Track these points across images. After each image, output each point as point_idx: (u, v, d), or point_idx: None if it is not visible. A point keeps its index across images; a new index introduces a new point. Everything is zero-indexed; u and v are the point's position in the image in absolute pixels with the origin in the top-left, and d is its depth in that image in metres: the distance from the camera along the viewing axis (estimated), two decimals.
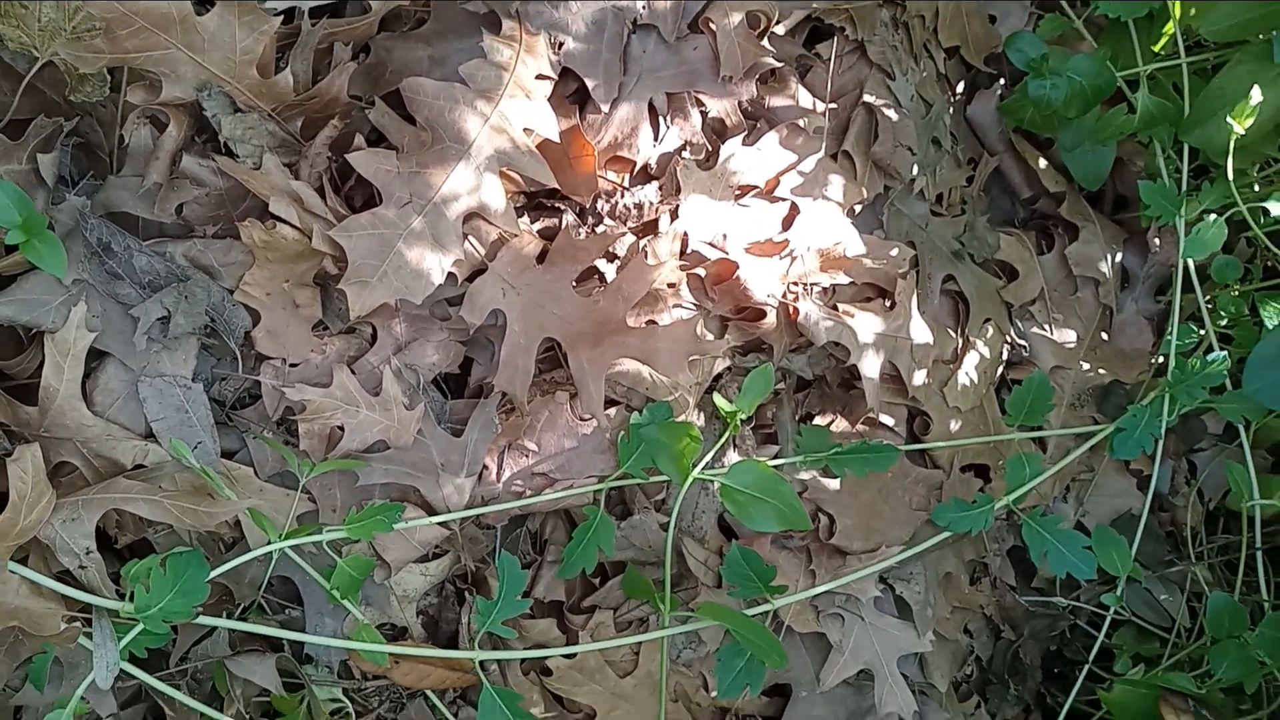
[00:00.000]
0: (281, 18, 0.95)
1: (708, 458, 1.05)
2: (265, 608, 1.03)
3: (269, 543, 0.93)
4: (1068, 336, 1.34)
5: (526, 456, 1.06)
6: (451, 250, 0.96)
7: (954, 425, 1.26)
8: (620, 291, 1.04)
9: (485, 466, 1.04)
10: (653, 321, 1.08)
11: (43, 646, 0.89)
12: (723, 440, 1.08)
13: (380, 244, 0.93)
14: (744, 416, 1.04)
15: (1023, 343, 1.32)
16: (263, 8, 0.94)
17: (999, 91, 1.35)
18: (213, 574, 0.89)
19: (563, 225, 1.06)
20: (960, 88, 1.35)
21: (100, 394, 0.94)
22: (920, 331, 1.21)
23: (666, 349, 1.04)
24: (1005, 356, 1.31)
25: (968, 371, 1.27)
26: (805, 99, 1.20)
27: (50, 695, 0.97)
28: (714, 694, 1.20)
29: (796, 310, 1.13)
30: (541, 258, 1.04)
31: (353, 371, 0.99)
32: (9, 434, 0.91)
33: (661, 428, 1.01)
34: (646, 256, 1.06)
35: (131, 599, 0.87)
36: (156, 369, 0.95)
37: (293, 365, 0.98)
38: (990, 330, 1.29)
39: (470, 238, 1.00)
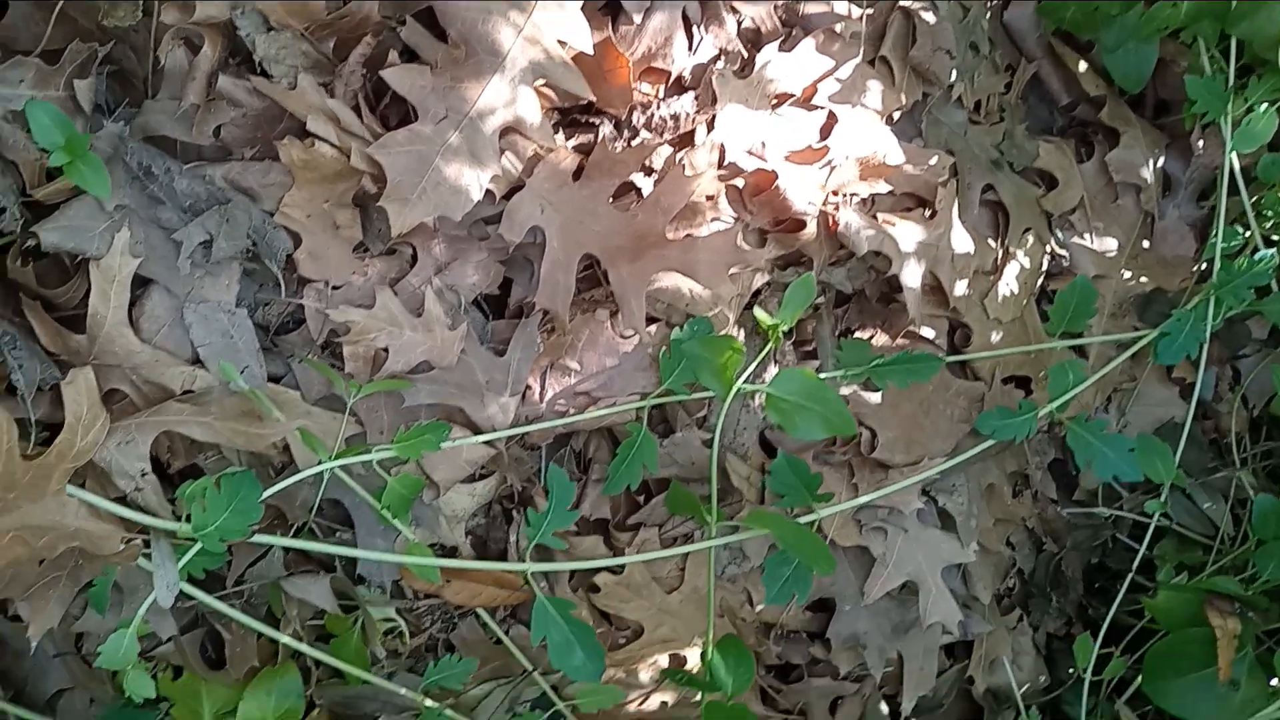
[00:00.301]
0: None
1: (750, 370, 1.05)
2: (316, 532, 1.04)
3: (319, 463, 0.94)
4: (1108, 245, 1.32)
5: (569, 376, 1.06)
6: (489, 166, 0.95)
7: (995, 337, 1.25)
8: (658, 204, 1.03)
9: (528, 386, 1.05)
10: (691, 234, 1.07)
11: (103, 569, 0.91)
12: (764, 354, 1.07)
13: (418, 160, 0.93)
14: (786, 329, 1.04)
15: (1063, 252, 1.31)
16: None
17: None
18: (265, 494, 0.90)
19: (598, 139, 1.04)
20: None
21: (146, 321, 0.94)
22: (961, 240, 1.19)
23: (707, 260, 1.03)
24: (1045, 267, 1.30)
25: (1008, 282, 1.26)
26: (841, 4, 1.17)
27: (110, 620, 0.99)
28: (759, 608, 1.21)
29: (836, 220, 1.12)
30: (578, 174, 1.03)
31: (395, 293, 0.99)
32: (59, 364, 0.92)
33: (703, 342, 1.00)
34: (684, 168, 1.05)
35: (187, 520, 0.88)
36: (200, 295, 0.95)
37: (335, 288, 0.98)
38: (1030, 240, 1.28)
39: (507, 154, 0.99)
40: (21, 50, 0.92)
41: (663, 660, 1.17)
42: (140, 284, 0.94)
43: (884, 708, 1.31)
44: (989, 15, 1.29)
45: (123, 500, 0.90)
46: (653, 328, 1.08)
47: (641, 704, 1.18)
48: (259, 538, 0.92)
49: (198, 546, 0.87)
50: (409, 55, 0.99)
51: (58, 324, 0.93)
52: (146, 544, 0.90)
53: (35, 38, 0.93)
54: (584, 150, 1.04)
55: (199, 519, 0.86)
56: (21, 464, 0.79)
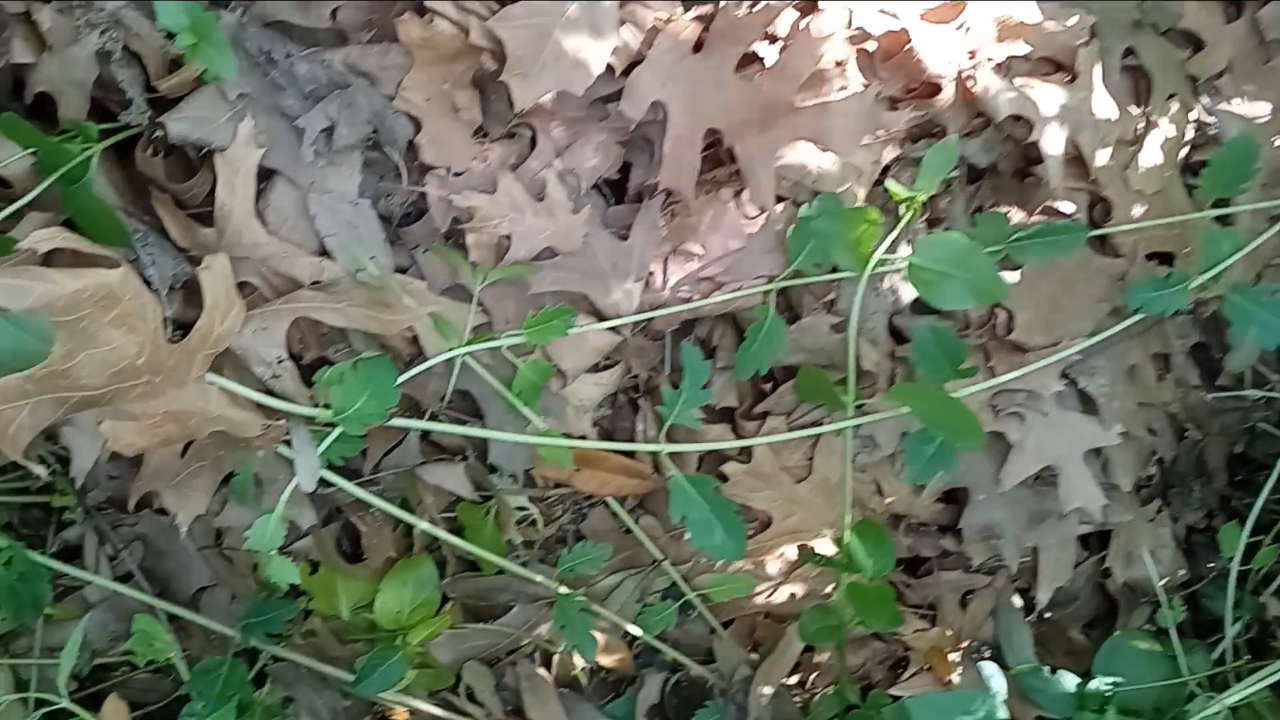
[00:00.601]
0: None
1: (887, 245, 1.00)
2: (446, 422, 1.05)
3: (450, 350, 0.94)
4: (1260, 110, 1.23)
5: (692, 260, 1.03)
6: (609, 37, 0.92)
7: (1137, 210, 1.18)
8: (785, 71, 0.99)
9: (651, 272, 1.02)
10: (821, 102, 1.03)
11: (244, 458, 0.92)
12: (899, 228, 1.02)
13: (538, 34, 0.90)
14: (924, 198, 0.98)
15: (1210, 119, 1.23)
16: None
17: None
18: (399, 379, 0.90)
19: (719, 6, 1.00)
20: None
21: (272, 214, 0.94)
22: (1104, 105, 1.13)
23: (840, 126, 0.99)
24: (1190, 136, 1.22)
25: (1151, 151, 1.18)
26: None
27: (251, 513, 1.01)
28: (888, 499, 1.18)
29: (973, 84, 1.06)
30: (699, 46, 0.99)
31: (516, 177, 0.97)
32: (190, 259, 0.93)
33: (835, 216, 0.96)
34: (810, 32, 1.00)
35: (325, 407, 0.89)
36: (323, 186, 0.94)
37: (456, 174, 0.96)
38: (1175, 106, 1.20)
39: (626, 25, 0.96)
40: None
41: (790, 552, 1.16)
42: (263, 176, 0.94)
43: (1017, 600, 1.28)
44: None
45: (261, 388, 0.91)
46: (779, 207, 1.05)
47: (770, 595, 1.17)
48: (397, 421, 0.93)
49: (337, 431, 0.88)
50: None
51: (187, 218, 0.94)
52: (285, 431, 0.91)
53: None
54: (704, 21, 1.00)
55: (338, 402, 0.86)
56: (167, 347, 0.79)
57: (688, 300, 1.05)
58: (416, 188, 0.96)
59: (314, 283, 0.95)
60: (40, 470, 0.87)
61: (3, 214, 0.80)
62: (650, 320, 1.04)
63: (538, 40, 0.90)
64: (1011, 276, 1.14)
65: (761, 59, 1.01)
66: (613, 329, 1.02)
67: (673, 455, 1.03)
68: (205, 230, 0.93)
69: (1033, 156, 1.12)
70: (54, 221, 0.86)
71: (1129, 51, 1.18)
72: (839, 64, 1.02)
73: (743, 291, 1.05)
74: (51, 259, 0.79)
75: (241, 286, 0.94)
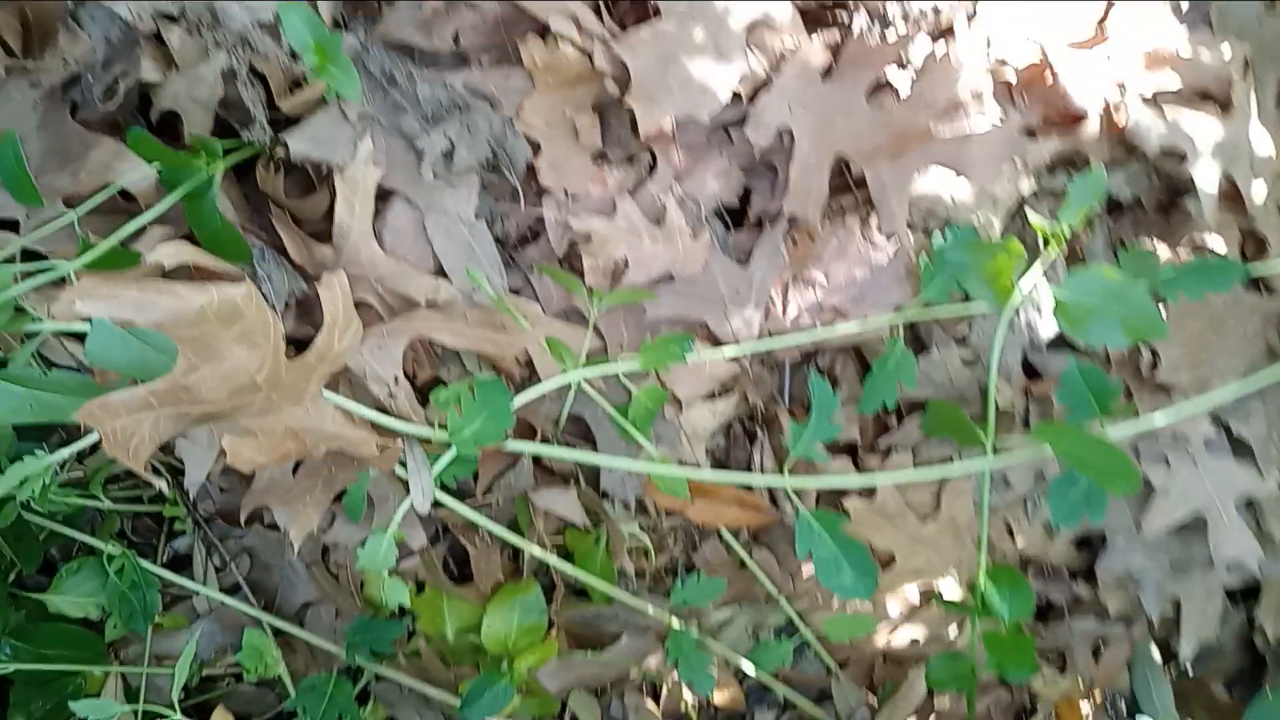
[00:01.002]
0: None
1: (1029, 280, 0.95)
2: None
3: (564, 373, 0.92)
4: None
5: (814, 288, 1.00)
6: (736, 63, 0.90)
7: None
8: (921, 99, 0.95)
9: (771, 299, 0.99)
10: (961, 133, 0.98)
11: (357, 476, 0.92)
12: (1046, 259, 0.96)
13: (663, 59, 0.89)
14: (1070, 231, 0.93)
15: None
16: None
17: None
18: (516, 403, 0.89)
19: (851, 34, 0.97)
20: None
21: (389, 233, 0.94)
22: (1260, 138, 1.06)
23: (980, 156, 0.95)
24: None
25: None
26: None
27: (360, 532, 1.01)
28: (1019, 542, 1.12)
29: (1120, 116, 1.01)
30: (828, 72, 0.96)
31: (635, 202, 0.95)
32: (306, 277, 0.93)
33: (972, 247, 0.92)
34: (948, 60, 0.96)
35: (441, 427, 0.88)
36: (440, 206, 0.94)
37: (574, 197, 0.95)
38: None
39: (753, 51, 0.94)
40: None
41: (913, 593, 1.11)
42: (381, 196, 0.94)
43: (1156, 653, 1.20)
44: None
45: (377, 407, 0.91)
46: (908, 235, 1.01)
47: (890, 636, 1.12)
48: (512, 444, 0.91)
49: (452, 453, 0.87)
50: None
51: (305, 235, 0.94)
52: (401, 451, 0.90)
53: None
54: (833, 47, 0.97)
55: (454, 423, 0.85)
56: (285, 363, 0.79)
57: (809, 329, 1.01)
58: (534, 209, 0.95)
59: (430, 302, 0.94)
60: (161, 484, 0.88)
61: (129, 228, 0.81)
62: (769, 349, 1.00)
63: (663, 65, 0.89)
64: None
65: (894, 87, 0.98)
66: (731, 357, 0.99)
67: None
68: (323, 248, 0.93)
69: (1178, 189, 1.06)
70: (177, 236, 0.87)
71: None
72: (976, 93, 0.98)
73: (869, 321, 1.01)
74: (174, 275, 0.80)
75: (358, 305, 0.94)
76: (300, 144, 0.89)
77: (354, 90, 0.84)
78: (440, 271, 0.95)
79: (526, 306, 0.97)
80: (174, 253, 0.76)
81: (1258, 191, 1.07)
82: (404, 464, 0.88)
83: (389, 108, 0.91)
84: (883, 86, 0.99)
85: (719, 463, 1.07)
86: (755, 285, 0.97)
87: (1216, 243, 1.10)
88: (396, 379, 0.91)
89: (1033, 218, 0.94)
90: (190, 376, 0.73)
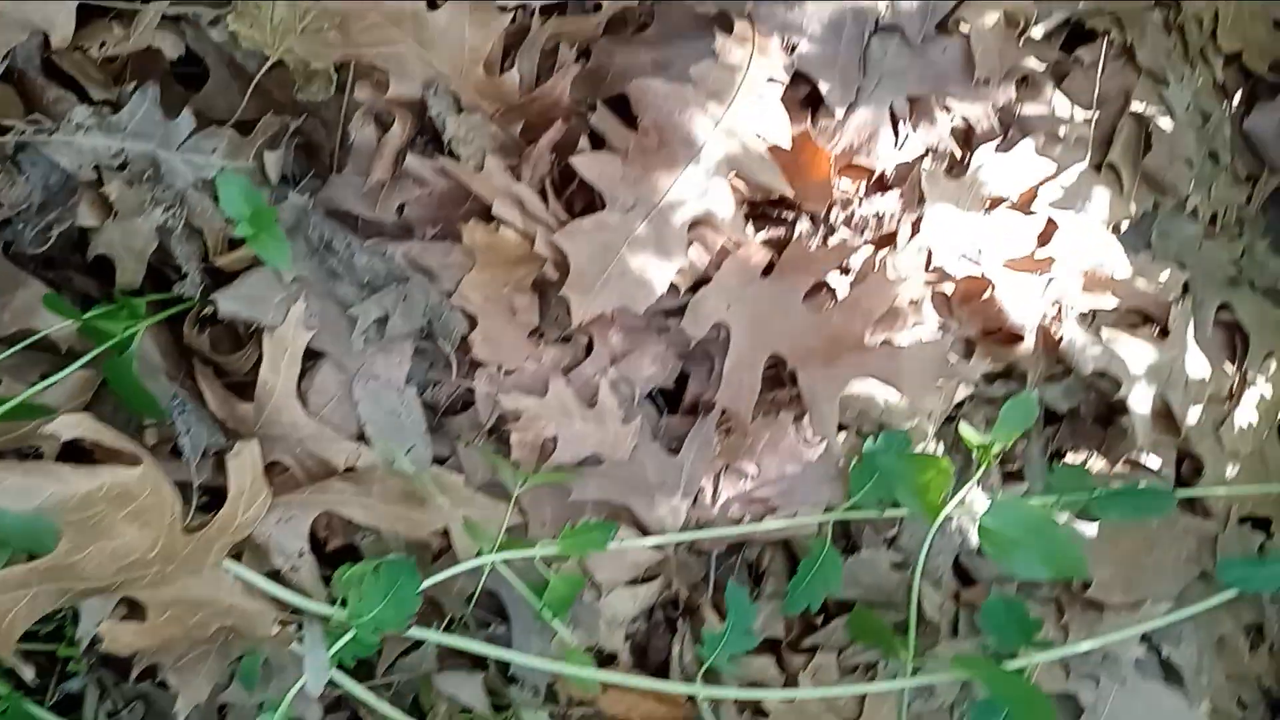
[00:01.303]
0: (511, 15, 0.93)
1: (959, 495, 0.95)
2: (469, 623, 0.99)
3: (479, 554, 0.90)
4: None
5: (745, 480, 0.98)
6: (676, 258, 0.91)
7: (1230, 470, 1.11)
8: (858, 306, 0.96)
9: (701, 488, 0.98)
10: (891, 340, 0.99)
11: (253, 647, 0.88)
12: (976, 476, 0.97)
13: (603, 249, 0.89)
14: (999, 450, 0.94)
15: None
16: (495, 5, 0.92)
17: None
18: (424, 585, 0.86)
19: (795, 235, 0.98)
20: (1237, 99, 1.21)
21: (315, 394, 0.92)
22: (1196, 363, 1.07)
23: (912, 370, 0.95)
24: None
25: (1247, 411, 1.12)
26: (1063, 107, 1.10)
27: (257, 696, 0.96)
28: None
29: (1057, 334, 1.01)
30: (769, 270, 0.97)
31: (568, 382, 0.95)
32: (226, 430, 0.91)
33: (905, 458, 0.91)
34: (887, 270, 0.97)
35: (343, 605, 0.85)
36: (370, 371, 0.93)
37: (507, 373, 0.94)
38: (1273, 365, 1.14)
39: (694, 246, 0.94)
40: (217, 119, 0.94)
41: None
42: (310, 356, 0.92)
43: None
44: (1229, 122, 1.17)
45: (278, 577, 0.88)
46: (841, 435, 1.00)
47: None
48: (415, 631, 0.88)
49: (351, 634, 0.84)
50: (598, 141, 0.96)
51: (227, 391, 0.92)
52: (299, 625, 0.87)
53: (230, 108, 0.95)
54: (776, 246, 0.98)
55: (355, 607, 0.82)
56: (182, 536, 0.77)
57: (739, 521, 0.99)
58: (465, 382, 0.94)
59: (348, 469, 0.92)
60: (27, 673, 0.84)
61: (40, 386, 0.79)
62: (696, 539, 0.98)
63: (603, 256, 0.89)
64: (1089, 529, 1.06)
65: (833, 290, 0.98)
66: (655, 545, 0.97)
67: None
68: (244, 405, 0.91)
69: (1116, 404, 1.06)
70: (97, 381, 0.86)
71: (1224, 307, 1.14)
72: (914, 302, 0.98)
73: (797, 519, 0.99)
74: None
75: (274, 466, 0.92)
76: (230, 304, 0.87)
77: (284, 261, 0.84)
78: (363, 436, 0.93)
79: (449, 478, 0.94)
80: (73, 425, 0.73)
81: (1192, 415, 1.08)
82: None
83: (324, 273, 0.90)
84: (821, 288, 0.99)
85: (639, 647, 1.04)
86: (685, 474, 0.96)
87: (1153, 461, 1.10)
88: (301, 552, 0.88)
89: (965, 431, 0.95)
90: (75, 556, 0.70)
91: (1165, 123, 1.10)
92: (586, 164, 0.92)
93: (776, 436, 0.98)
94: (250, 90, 0.94)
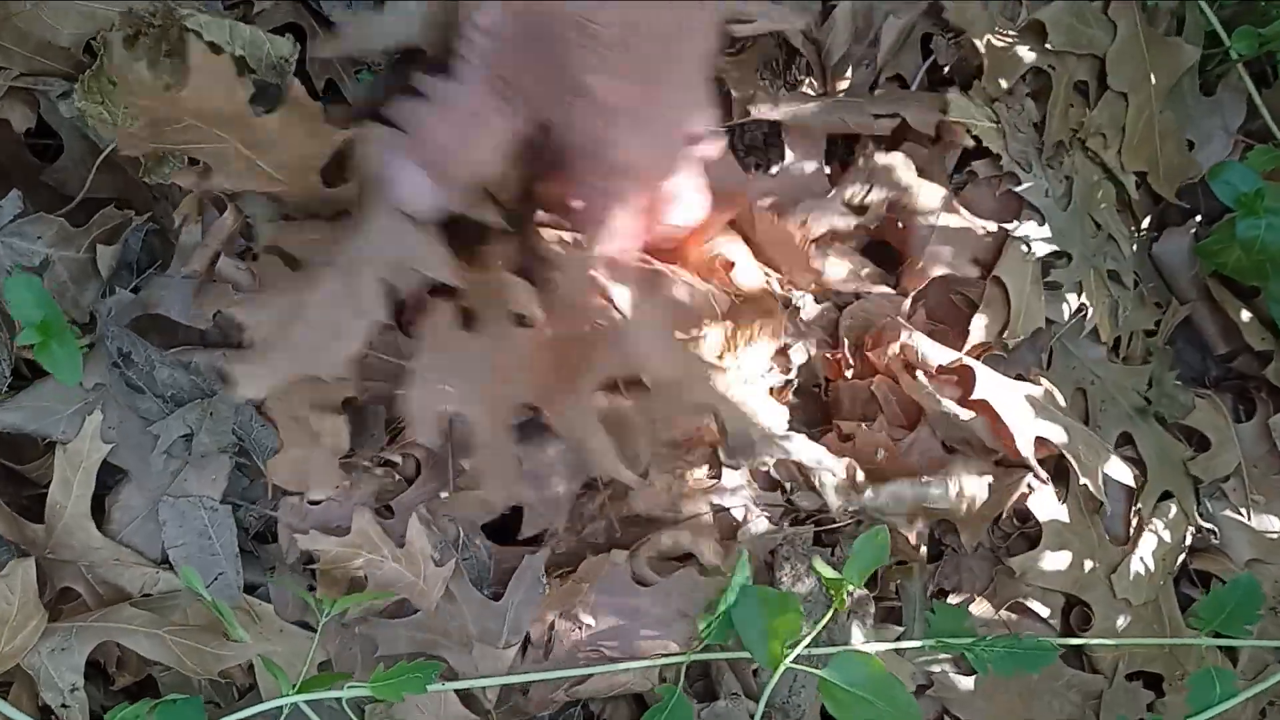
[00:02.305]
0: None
1: (807, 639, 0.88)
2: None
3: (282, 695, 0.82)
4: (1270, 524, 1.09)
5: (579, 629, 0.90)
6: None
7: (1121, 621, 1.04)
8: (566, 303, 0.82)
9: (529, 637, 0.89)
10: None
11: None
12: (826, 618, 0.90)
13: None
14: (852, 589, 0.88)
15: (1211, 527, 1.09)
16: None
17: (1193, 230, 1.14)
18: None
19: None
20: (1146, 222, 1.16)
21: (120, 510, 0.86)
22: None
23: (647, 338, 0.82)
24: (1188, 542, 1.08)
25: (1142, 557, 1.05)
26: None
27: None
28: None
29: None
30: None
31: (390, 512, 0.87)
32: (19, 552, 0.84)
33: (751, 599, 0.85)
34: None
35: None
36: (181, 488, 0.85)
37: (314, 502, 0.86)
38: (1173, 509, 1.07)
39: None
40: (69, 194, 0.89)
41: None
42: (119, 470, 0.86)
43: None
44: (1135, 246, 1.12)
45: (47, 713, 0.80)
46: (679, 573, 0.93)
47: None
48: None
49: None
50: None
51: (21, 507, 0.85)
52: None
53: (83, 181, 0.89)
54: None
55: None
56: None
57: (572, 671, 0.90)
58: (269, 512, 0.87)
59: (145, 594, 0.84)
60: None
61: None
62: (526, 691, 0.90)
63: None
64: (965, 681, 0.99)
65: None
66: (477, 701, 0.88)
67: None
68: (34, 526, 0.84)
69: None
70: None
71: (1125, 440, 1.07)
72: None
73: (639, 663, 0.91)
74: None
75: (64, 592, 0.85)
76: (13, 416, 0.81)
77: (72, 376, 0.77)
78: (167, 560, 0.86)
79: (259, 607, 0.86)
80: None
81: (1085, 561, 1.02)
82: None
83: (124, 387, 0.84)
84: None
85: None
86: (509, 620, 0.88)
87: (1040, 607, 1.03)
88: (74, 687, 0.80)
89: (819, 566, 0.88)
90: None
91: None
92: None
93: (612, 576, 0.91)
94: (95, 168, 0.88)
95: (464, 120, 0.73)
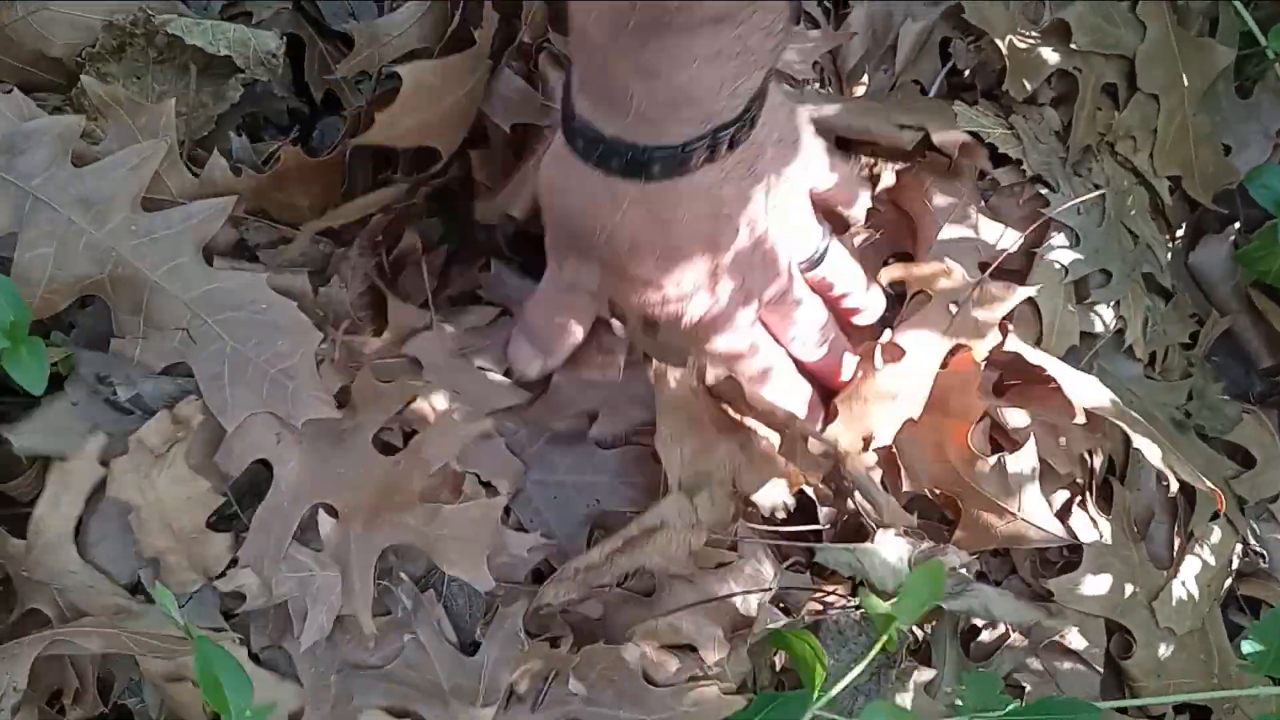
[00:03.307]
0: None
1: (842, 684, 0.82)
2: None
3: None
4: None
5: (572, 701, 0.81)
6: None
7: (1164, 650, 0.97)
8: (418, 454, 0.79)
9: (511, 693, 0.81)
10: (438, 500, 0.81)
11: None
12: (870, 656, 0.83)
13: None
14: (904, 626, 0.83)
15: (1260, 550, 1.03)
16: None
17: (1232, 237, 1.09)
18: None
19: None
20: (1181, 230, 1.10)
21: (96, 522, 0.80)
22: None
23: (455, 539, 0.77)
24: (1236, 565, 1.02)
25: (1185, 582, 0.99)
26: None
27: None
28: None
29: None
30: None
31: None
32: None
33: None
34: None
35: None
36: None
37: None
38: (1218, 532, 1.01)
39: None
40: None
41: None
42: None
43: None
44: (1170, 255, 1.07)
45: None
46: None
47: None
48: None
49: None
50: None
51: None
52: None
53: None
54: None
55: None
56: None
57: None
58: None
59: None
60: None
61: None
62: None
63: None
64: None
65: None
66: None
67: None
68: (16, 541, 0.79)
69: None
70: None
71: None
72: None
73: None
74: None
75: (32, 614, 0.79)
76: (30, 440, 0.77)
77: (38, 387, 0.73)
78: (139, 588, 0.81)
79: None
80: None
81: (1125, 587, 0.96)
82: None
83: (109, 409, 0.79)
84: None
85: None
86: (485, 679, 0.79)
87: (1078, 641, 0.96)
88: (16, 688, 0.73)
89: (868, 601, 0.83)
90: None
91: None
92: None
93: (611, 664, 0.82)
94: None
95: (552, 303, 0.84)
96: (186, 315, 0.77)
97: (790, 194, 0.79)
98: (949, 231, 0.96)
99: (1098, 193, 1.00)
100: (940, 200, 0.96)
